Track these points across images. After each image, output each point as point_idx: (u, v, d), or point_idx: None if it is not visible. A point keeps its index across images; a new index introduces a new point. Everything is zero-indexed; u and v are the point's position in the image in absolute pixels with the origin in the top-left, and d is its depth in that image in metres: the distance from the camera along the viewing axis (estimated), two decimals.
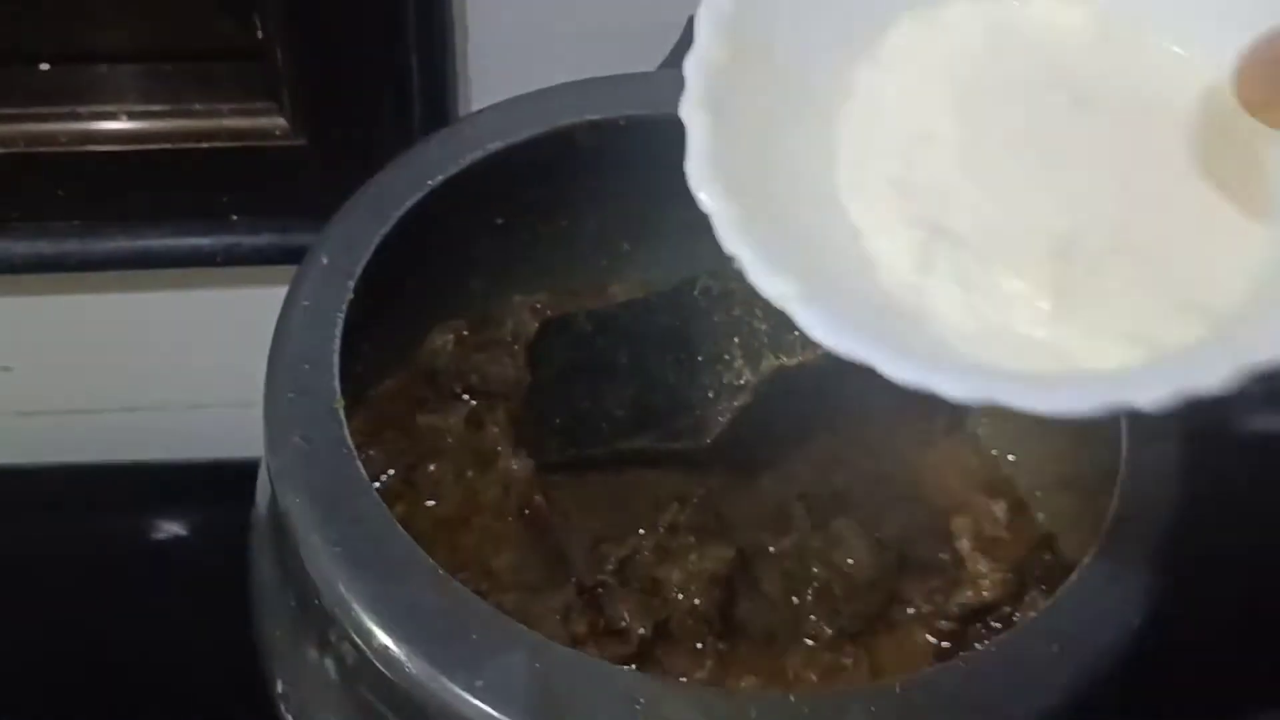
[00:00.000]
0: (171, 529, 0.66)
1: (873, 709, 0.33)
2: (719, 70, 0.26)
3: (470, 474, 0.49)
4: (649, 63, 0.52)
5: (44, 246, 0.58)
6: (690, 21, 0.52)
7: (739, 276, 0.25)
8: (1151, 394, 0.22)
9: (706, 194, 0.25)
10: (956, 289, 0.25)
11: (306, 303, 0.41)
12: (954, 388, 0.23)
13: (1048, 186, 0.26)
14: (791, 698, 0.34)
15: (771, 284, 0.24)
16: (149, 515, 0.66)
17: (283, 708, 0.41)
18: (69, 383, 0.66)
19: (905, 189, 0.26)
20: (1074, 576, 0.37)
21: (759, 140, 0.26)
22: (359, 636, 0.34)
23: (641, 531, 0.47)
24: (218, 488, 0.64)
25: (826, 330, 0.24)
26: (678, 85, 0.36)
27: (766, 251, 0.24)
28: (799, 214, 0.26)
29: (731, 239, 0.25)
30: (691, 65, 0.26)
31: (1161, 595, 0.37)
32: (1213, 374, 0.22)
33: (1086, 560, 0.37)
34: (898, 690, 0.34)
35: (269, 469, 0.38)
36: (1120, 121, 0.26)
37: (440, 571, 0.35)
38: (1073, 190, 0.25)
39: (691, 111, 0.26)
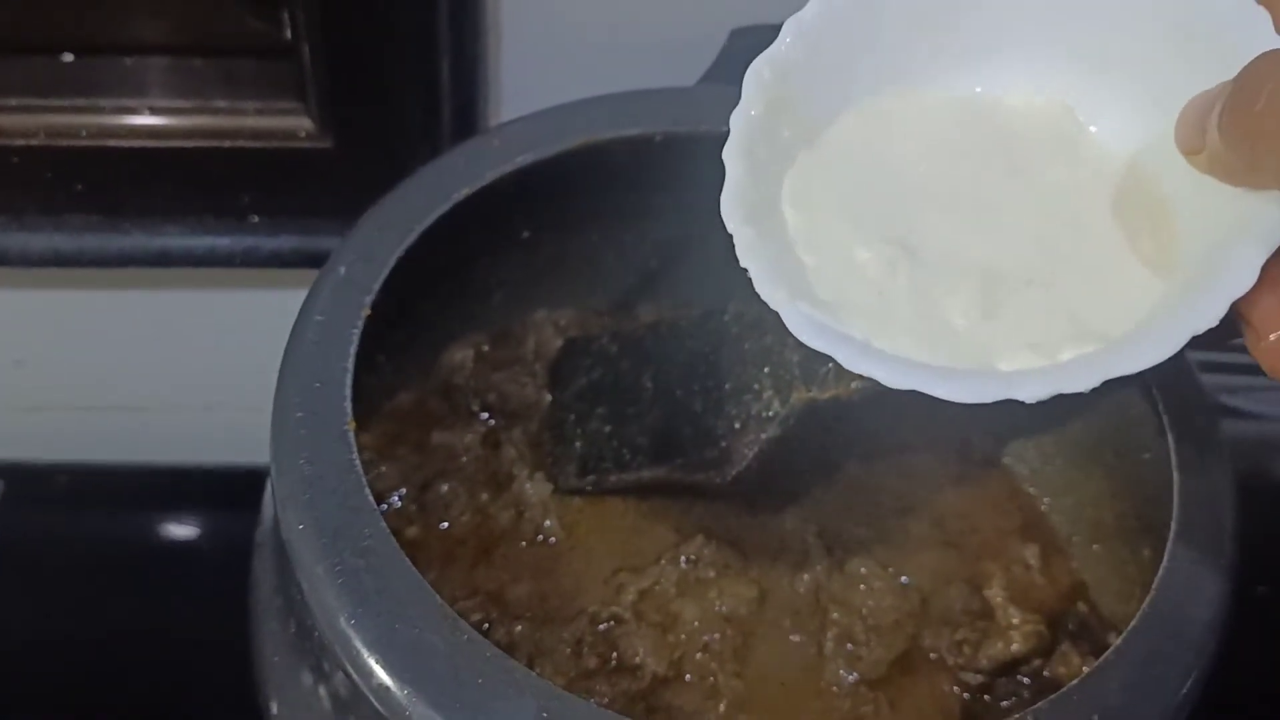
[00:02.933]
0: (178, 533, 0.65)
1: None
2: (753, 121, 0.32)
3: (484, 496, 0.47)
4: (688, 77, 0.51)
5: (60, 241, 0.57)
6: (731, 37, 0.51)
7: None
8: (1033, 391, 0.28)
9: (729, 220, 0.31)
10: (912, 294, 0.31)
11: (320, 317, 0.39)
12: (887, 376, 0.29)
13: (983, 232, 0.32)
14: None
15: (767, 291, 0.30)
16: (157, 518, 0.66)
17: None
18: (81, 380, 0.65)
19: (883, 217, 0.33)
20: (1118, 642, 0.35)
21: (777, 177, 0.33)
22: (358, 674, 0.32)
23: (663, 562, 0.45)
24: (227, 493, 0.63)
25: (806, 332, 0.30)
26: (717, 101, 0.35)
27: (769, 265, 0.31)
28: (812, 229, 0.33)
29: (744, 255, 0.31)
30: (734, 118, 0.32)
31: (1210, 665, 0.35)
32: (1081, 381, 0.28)
33: (1131, 626, 0.35)
34: None
35: (274, 492, 0.36)
36: (1048, 190, 0.33)
37: (449, 610, 0.33)
38: (1001, 236, 0.32)
39: (730, 156, 0.32)
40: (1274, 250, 0.27)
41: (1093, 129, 0.33)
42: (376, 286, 0.40)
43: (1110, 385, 0.28)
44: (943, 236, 0.32)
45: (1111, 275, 0.31)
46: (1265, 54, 0.26)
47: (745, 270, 0.31)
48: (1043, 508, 0.50)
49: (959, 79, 0.34)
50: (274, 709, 0.41)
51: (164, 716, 0.59)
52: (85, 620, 0.61)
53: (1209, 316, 0.27)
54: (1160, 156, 0.30)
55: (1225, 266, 0.27)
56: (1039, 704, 0.33)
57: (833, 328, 0.30)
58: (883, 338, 0.30)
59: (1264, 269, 0.27)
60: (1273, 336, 0.26)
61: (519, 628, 0.44)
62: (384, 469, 0.47)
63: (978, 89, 0.34)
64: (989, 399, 0.28)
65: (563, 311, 0.53)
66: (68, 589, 0.62)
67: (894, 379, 0.29)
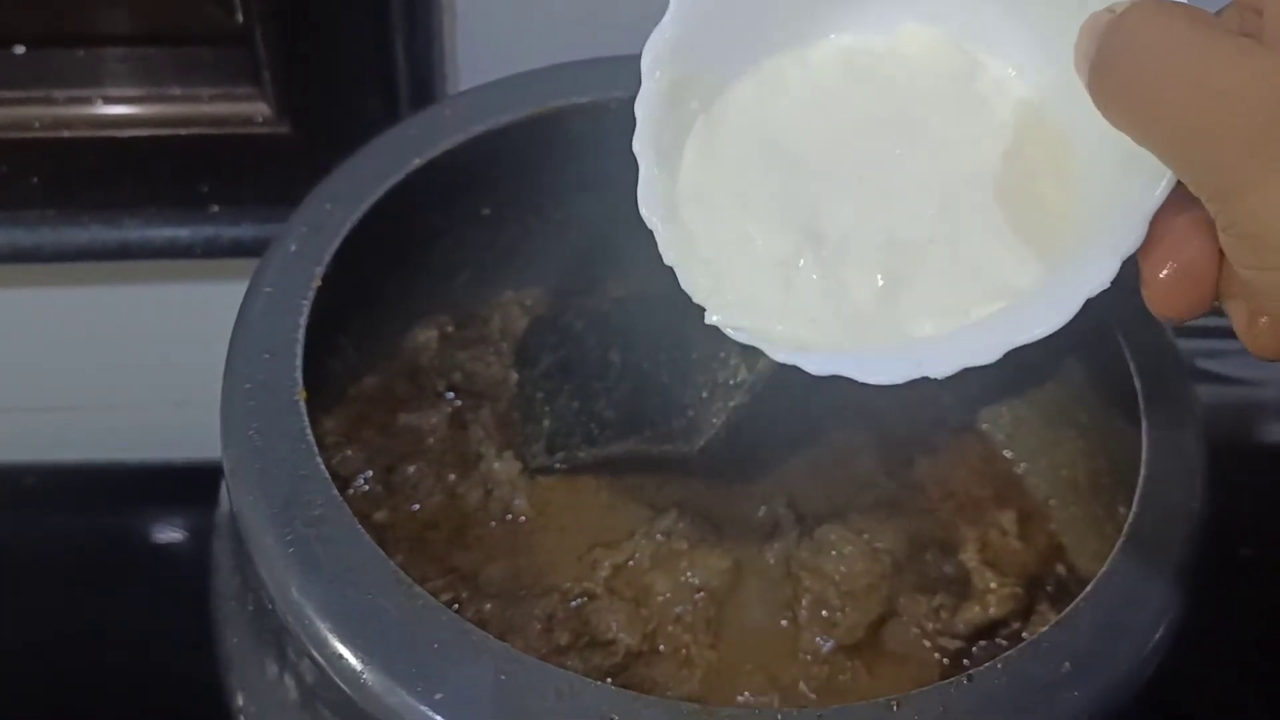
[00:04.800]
0: (149, 531, 0.65)
1: None
2: (659, 105, 0.31)
3: (452, 477, 0.47)
4: None
5: (17, 236, 0.56)
6: None
7: None
8: (941, 368, 0.28)
9: (647, 215, 0.31)
10: (819, 279, 0.31)
11: (269, 289, 0.38)
12: (813, 366, 0.29)
13: (881, 197, 0.31)
14: (778, 716, 0.31)
15: (691, 287, 0.31)
16: (126, 517, 0.65)
17: None
18: (44, 379, 0.64)
19: (782, 200, 0.32)
20: (1088, 589, 0.34)
21: (684, 164, 0.32)
22: (312, 644, 0.32)
23: (637, 537, 0.45)
24: (196, 490, 0.62)
25: (731, 329, 0.30)
26: None
27: (690, 261, 0.31)
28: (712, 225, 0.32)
29: (666, 252, 0.31)
30: (639, 104, 0.31)
31: (1181, 610, 0.35)
32: (984, 354, 0.28)
33: (1102, 572, 0.34)
34: (894, 709, 0.31)
35: (224, 464, 0.35)
36: (944, 144, 0.32)
37: (403, 576, 0.33)
38: (900, 198, 0.31)
39: (640, 147, 0.31)
40: (1159, 205, 0.27)
41: (988, 65, 0.32)
42: (327, 257, 0.39)
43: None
44: (842, 210, 0.32)
45: (1012, 223, 0.30)
46: (1133, 6, 0.26)
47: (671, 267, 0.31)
48: (1019, 471, 0.50)
49: (849, 28, 0.33)
50: (240, 700, 0.40)
51: (138, 717, 0.58)
52: (56, 621, 0.60)
53: (1101, 278, 0.27)
54: (1057, 88, 0.30)
55: (1114, 227, 0.27)
56: (1009, 652, 0.32)
57: (753, 326, 0.30)
58: (792, 330, 0.30)
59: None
60: (1163, 274, 0.27)
61: (488, 606, 0.43)
62: (350, 452, 0.47)
63: (868, 36, 0.33)
64: (901, 379, 0.28)
65: (529, 291, 0.53)
66: (37, 589, 0.61)
67: (819, 367, 0.29)
